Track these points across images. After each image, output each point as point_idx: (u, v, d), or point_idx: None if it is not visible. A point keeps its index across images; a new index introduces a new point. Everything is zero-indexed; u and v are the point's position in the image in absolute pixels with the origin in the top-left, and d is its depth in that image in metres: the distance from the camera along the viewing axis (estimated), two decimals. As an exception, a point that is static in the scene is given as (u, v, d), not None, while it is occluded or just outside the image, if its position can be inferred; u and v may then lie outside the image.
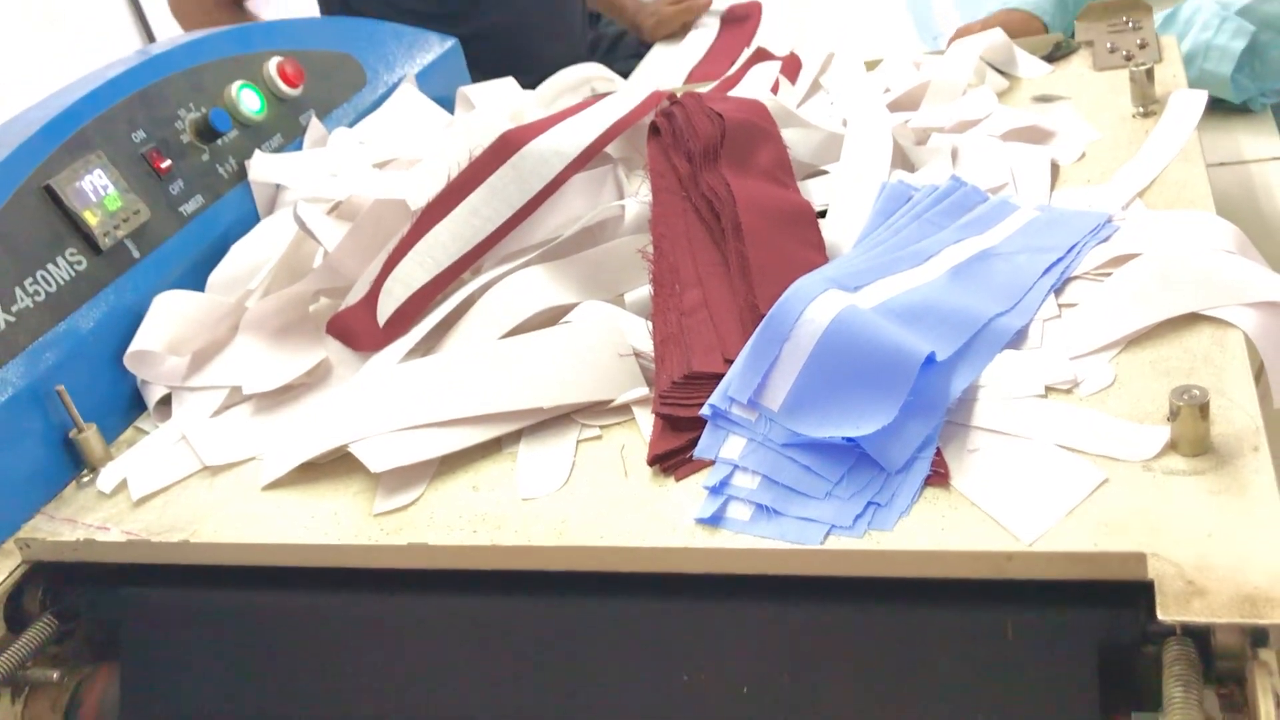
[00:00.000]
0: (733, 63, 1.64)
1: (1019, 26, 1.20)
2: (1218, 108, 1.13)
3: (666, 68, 1.69)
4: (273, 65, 0.95)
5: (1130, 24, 0.98)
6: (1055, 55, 0.98)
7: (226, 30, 0.95)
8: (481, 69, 1.39)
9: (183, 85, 0.88)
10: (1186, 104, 0.82)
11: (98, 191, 0.78)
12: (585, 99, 1.00)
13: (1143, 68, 0.84)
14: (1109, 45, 0.95)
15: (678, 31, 1.84)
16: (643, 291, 0.70)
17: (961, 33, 1.19)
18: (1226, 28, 1.08)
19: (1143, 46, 0.94)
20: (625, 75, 1.78)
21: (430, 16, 1.48)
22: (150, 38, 1.81)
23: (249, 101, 0.92)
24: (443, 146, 0.78)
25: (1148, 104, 0.84)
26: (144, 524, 0.65)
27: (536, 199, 0.73)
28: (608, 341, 0.65)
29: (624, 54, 2.24)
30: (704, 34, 1.78)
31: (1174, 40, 0.95)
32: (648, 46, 1.87)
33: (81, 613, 0.67)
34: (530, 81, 1.12)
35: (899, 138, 0.81)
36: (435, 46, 1.17)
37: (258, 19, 1.56)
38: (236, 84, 0.92)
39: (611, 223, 0.76)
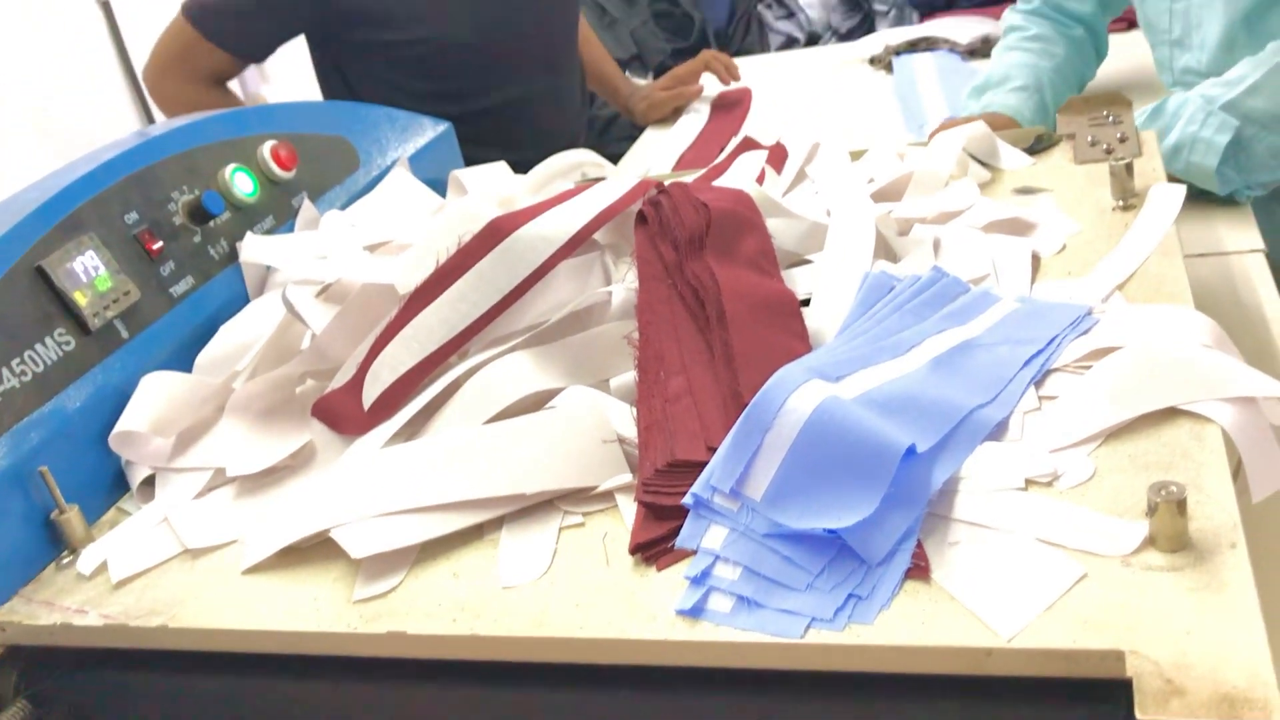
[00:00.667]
0: (722, 148, 1.67)
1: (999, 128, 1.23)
2: (1200, 199, 1.15)
3: (658, 151, 1.72)
4: (267, 149, 0.97)
5: (1110, 118, 1.00)
6: (1037, 148, 1.00)
7: (223, 114, 0.97)
8: (482, 146, 1.42)
9: (177, 168, 0.90)
10: (1165, 198, 0.84)
11: (89, 272, 0.78)
12: (576, 185, 1.02)
13: (1122, 162, 0.85)
14: (1090, 139, 0.97)
15: (669, 116, 1.87)
16: (628, 377, 0.71)
17: (945, 127, 1.22)
18: (1211, 122, 1.11)
19: (1123, 140, 0.96)
20: (618, 157, 1.81)
21: (433, 96, 1.51)
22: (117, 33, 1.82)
23: (242, 184, 0.94)
24: (432, 232, 0.79)
25: (1127, 197, 0.85)
26: (123, 607, 0.65)
27: (524, 285, 0.74)
28: (592, 427, 0.65)
29: (617, 136, 2.28)
30: (695, 119, 1.82)
31: (1153, 135, 0.97)
32: (641, 129, 1.90)
33: (57, 697, 0.66)
34: (529, 158, 1.14)
35: (882, 228, 0.82)
36: (428, 130, 1.19)
37: (239, 100, 1.59)
38: (230, 167, 0.93)
39: (598, 308, 0.77)
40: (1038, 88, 1.34)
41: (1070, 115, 1.02)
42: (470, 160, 1.23)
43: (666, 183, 0.83)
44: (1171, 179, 1.12)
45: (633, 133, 2.00)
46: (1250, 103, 1.10)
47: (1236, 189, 1.14)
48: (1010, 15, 1.46)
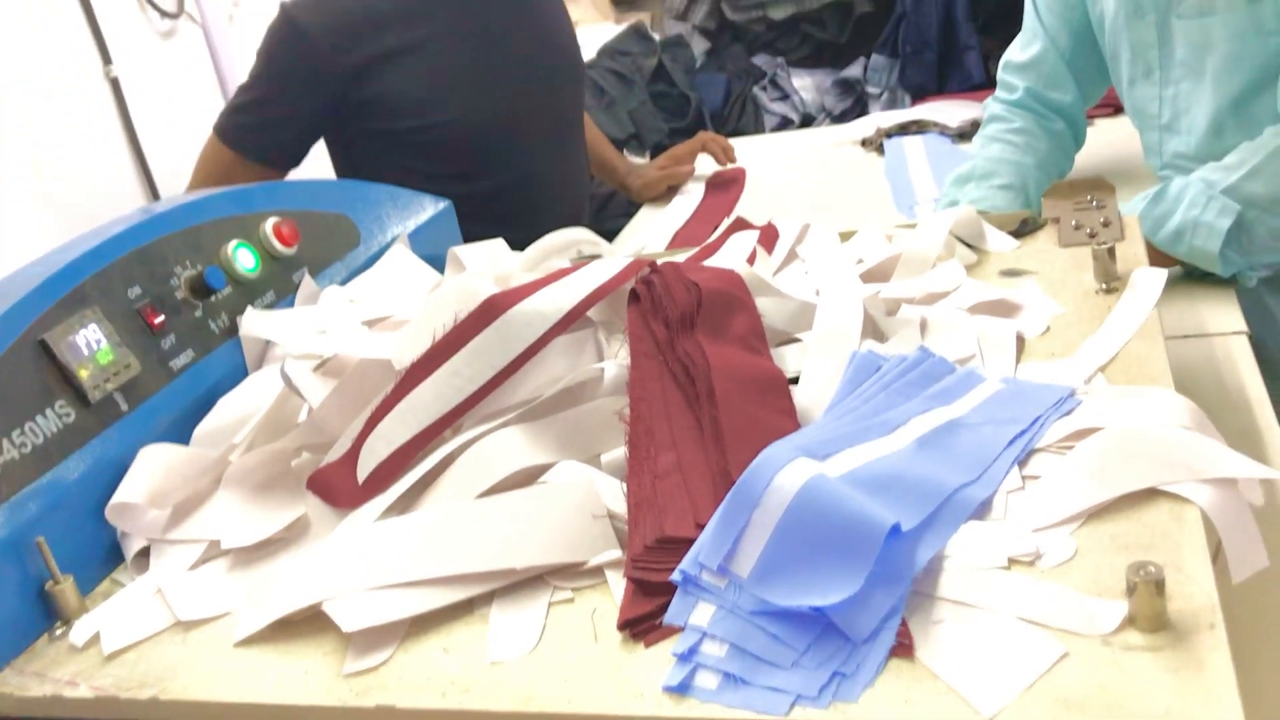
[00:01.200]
0: (715, 227, 1.70)
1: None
2: (1184, 281, 1.17)
3: (653, 229, 1.74)
4: (269, 225, 0.99)
5: (1094, 203, 1.02)
6: (1022, 231, 1.02)
7: (227, 192, 0.99)
8: (490, 223, 1.44)
9: (180, 244, 0.92)
10: (1147, 282, 0.86)
11: (90, 346, 0.80)
12: (572, 262, 1.04)
13: (1105, 246, 0.88)
14: (1074, 223, 0.99)
15: (664, 194, 1.91)
16: (619, 453, 0.72)
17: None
18: (1213, 206, 1.13)
19: (1106, 225, 0.98)
20: (615, 233, 1.84)
21: (444, 177, 1.54)
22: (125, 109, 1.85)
23: (244, 260, 0.95)
24: (428, 308, 0.80)
25: (1110, 280, 0.87)
26: (114, 679, 0.65)
27: (518, 361, 0.76)
28: (582, 503, 0.66)
29: (614, 213, 2.32)
30: (689, 199, 1.85)
31: (1136, 219, 0.99)
32: (637, 206, 1.93)
33: (45, 770, 0.66)
34: (535, 236, 1.15)
35: (870, 308, 0.84)
36: (429, 207, 1.22)
37: None
38: (233, 243, 0.95)
39: (591, 384, 0.78)
40: (1023, 186, 1.37)
41: (1055, 200, 1.05)
42: (477, 237, 1.25)
43: (659, 262, 0.85)
44: (1175, 262, 1.15)
45: (629, 209, 2.03)
46: (1250, 187, 1.12)
47: (1240, 271, 1.16)
48: (992, 105, 1.49)
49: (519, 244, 1.14)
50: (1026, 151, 1.40)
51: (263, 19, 1.50)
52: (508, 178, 1.60)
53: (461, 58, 1.53)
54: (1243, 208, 1.11)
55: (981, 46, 2.53)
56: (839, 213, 1.65)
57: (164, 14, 2.00)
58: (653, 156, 2.52)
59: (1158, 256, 1.15)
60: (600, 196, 2.36)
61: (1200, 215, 1.12)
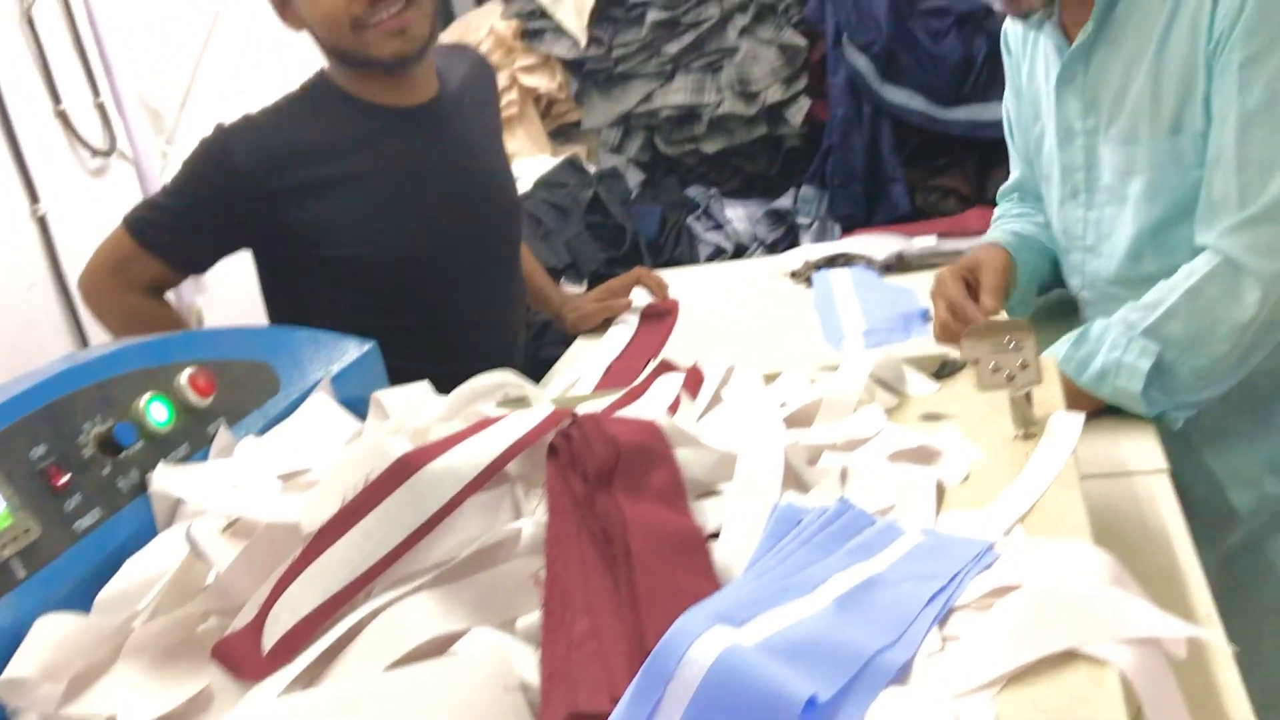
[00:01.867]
0: (648, 360, 1.70)
1: (982, 251, 1.37)
2: (1104, 416, 1.18)
3: (587, 361, 1.74)
4: (185, 376, 0.97)
5: (1012, 344, 1.03)
6: (942, 373, 1.03)
7: (143, 344, 0.97)
8: (418, 357, 1.43)
9: (91, 399, 0.89)
10: (1064, 427, 0.86)
11: (-13, 511, 0.77)
12: (497, 404, 1.03)
13: (1022, 392, 0.88)
14: (992, 365, 1.00)
15: (599, 326, 1.91)
16: (535, 617, 0.70)
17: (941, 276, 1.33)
18: (1134, 346, 1.15)
19: (1024, 367, 0.99)
20: (551, 361, 1.83)
21: (376, 309, 1.53)
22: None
23: (157, 413, 0.93)
24: (339, 469, 0.79)
25: (1028, 426, 0.88)
26: None
27: (431, 522, 0.74)
28: (495, 675, 0.64)
29: (551, 340, 2.32)
30: (624, 330, 1.85)
31: (1053, 361, 1.00)
32: (574, 335, 1.93)
33: None
34: (469, 369, 1.14)
35: (791, 457, 0.84)
36: (352, 350, 1.20)
37: (175, 310, 1.60)
38: (147, 396, 0.93)
39: (508, 543, 0.76)
40: (1020, 236, 1.47)
41: (974, 340, 1.06)
42: (408, 370, 1.24)
43: (580, 412, 0.84)
44: (1098, 403, 1.17)
45: (566, 338, 2.03)
46: (1168, 327, 1.15)
47: (1165, 411, 1.17)
48: (1001, 205, 1.62)
49: (452, 376, 1.12)
50: (1028, 222, 1.52)
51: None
52: (439, 311, 1.60)
53: (394, 193, 1.54)
54: (1163, 348, 1.14)
55: (906, 178, 2.60)
56: (770, 346, 1.66)
57: (95, 152, 2.00)
58: (590, 285, 2.54)
59: (1081, 397, 1.17)
60: (538, 324, 2.37)
61: (1122, 356, 1.15)
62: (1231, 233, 1.13)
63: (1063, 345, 1.20)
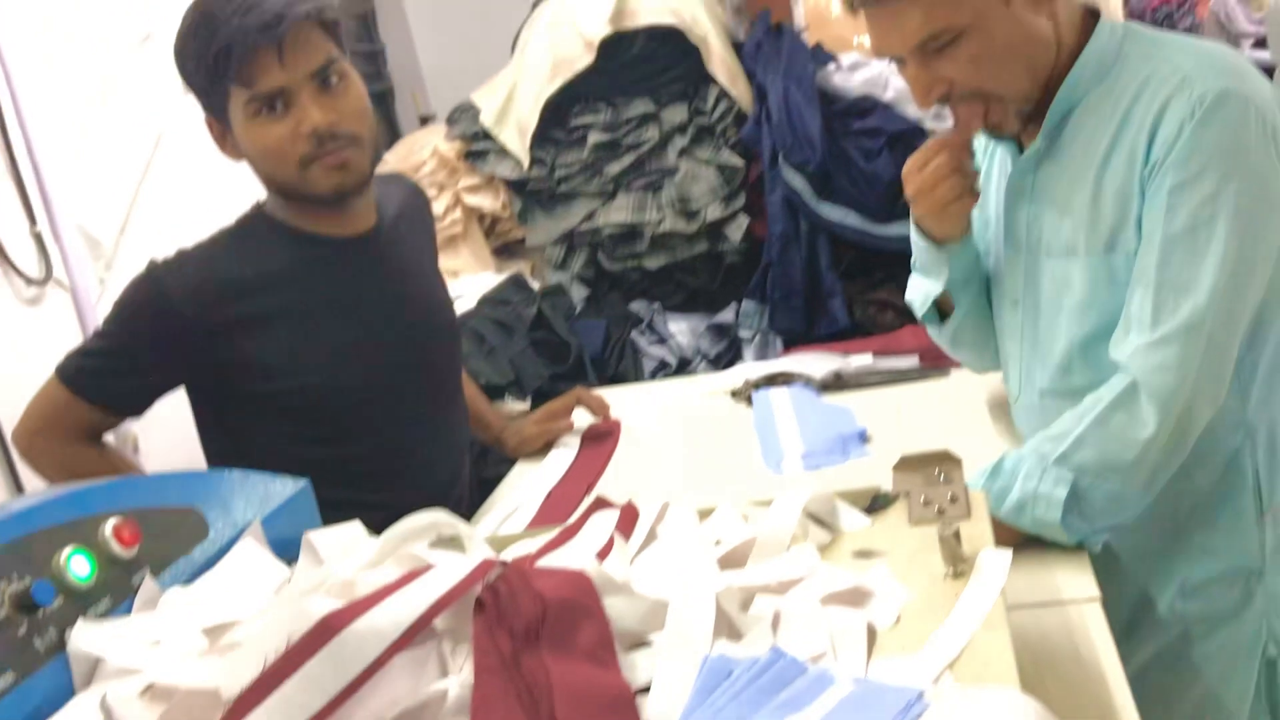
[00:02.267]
0: (589, 486, 1.70)
1: None
2: (1036, 545, 1.19)
3: (528, 485, 1.74)
4: (109, 527, 0.95)
5: (942, 477, 1.04)
6: (874, 507, 1.03)
7: (65, 495, 0.95)
8: (364, 488, 1.41)
9: (9, 557, 0.87)
10: (993, 565, 0.87)
11: (-108, 683, 0.74)
12: (431, 547, 1.02)
13: (950, 530, 0.89)
14: (922, 499, 1.01)
15: (541, 449, 1.91)
16: (461, 783, 0.69)
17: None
18: (1048, 476, 1.17)
19: (953, 501, 1.00)
20: (493, 482, 1.82)
21: (315, 440, 1.51)
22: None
23: (79, 568, 0.91)
24: (260, 631, 0.77)
25: (957, 565, 0.88)
26: None
27: (354, 685, 0.72)
28: None
29: (495, 460, 2.31)
30: (565, 454, 1.86)
31: (983, 495, 1.01)
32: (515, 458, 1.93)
33: None
34: (409, 499, 1.12)
35: (723, 602, 0.83)
36: (283, 490, 1.19)
37: (115, 455, 1.57)
38: (67, 550, 0.90)
39: (433, 705, 0.75)
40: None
41: (904, 473, 1.07)
42: (355, 502, 1.22)
43: (512, 552, 0.84)
44: (1022, 534, 1.18)
45: (509, 458, 2.02)
46: (1080, 455, 1.17)
47: (1084, 537, 1.19)
48: None
49: (398, 505, 1.11)
50: None
51: (133, 284, 1.49)
52: (380, 440, 1.59)
53: (330, 324, 1.53)
54: (1076, 475, 1.15)
55: (845, 293, 2.65)
56: (711, 469, 1.67)
57: (29, 281, 1.98)
58: (534, 402, 2.54)
59: (1005, 528, 1.18)
60: (478, 445, 2.36)
61: (1038, 487, 1.16)
62: (1141, 353, 1.17)
63: (978, 478, 1.21)
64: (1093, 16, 1.27)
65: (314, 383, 1.51)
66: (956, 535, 0.90)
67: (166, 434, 1.83)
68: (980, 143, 1.48)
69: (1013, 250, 1.36)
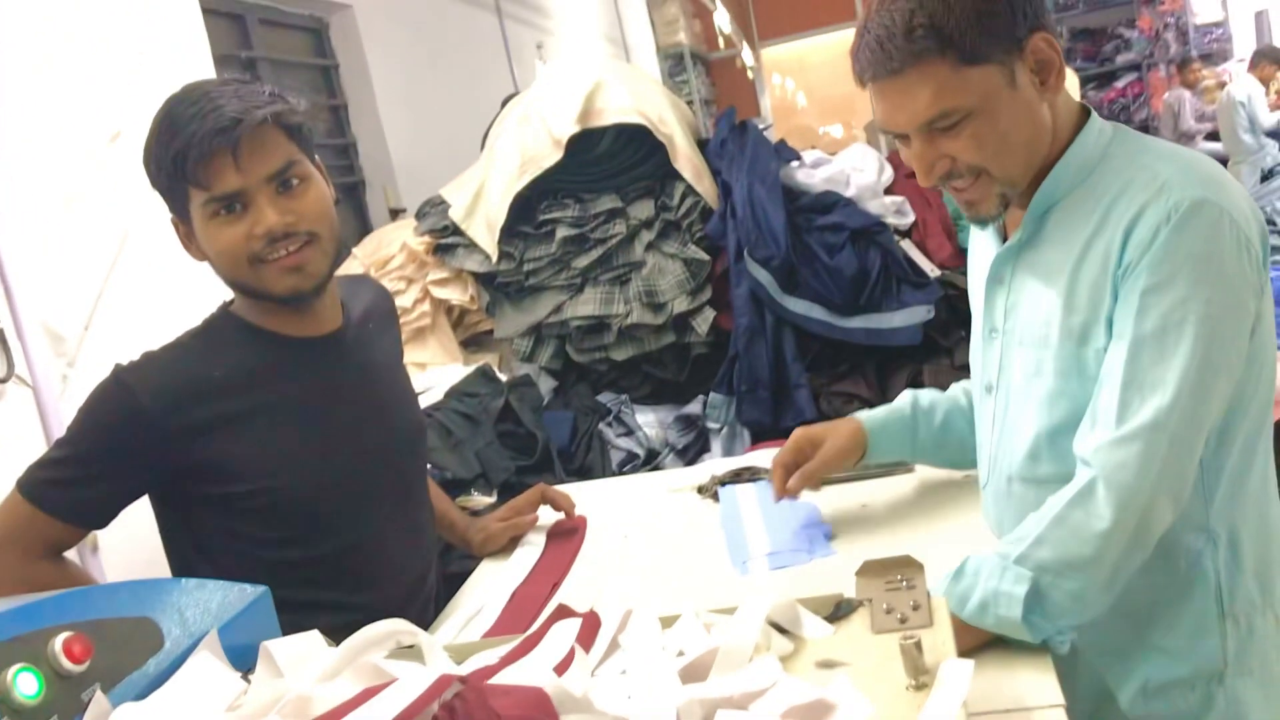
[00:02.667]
0: (555, 584, 1.69)
1: (830, 430, 1.56)
2: (1000, 651, 1.19)
3: (490, 588, 1.72)
4: (59, 642, 0.93)
5: (904, 583, 1.05)
6: (837, 614, 1.03)
7: (11, 609, 0.93)
8: (331, 587, 1.38)
9: (-48, 675, 0.85)
10: (954, 676, 0.87)
11: None
12: (390, 656, 1.00)
13: (912, 641, 0.89)
14: (885, 606, 1.01)
15: (506, 546, 1.89)
16: None
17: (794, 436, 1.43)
18: (1008, 575, 1.18)
19: (915, 609, 1.00)
20: (462, 576, 1.80)
21: (281, 542, 1.49)
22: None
23: (25, 686, 0.89)
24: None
25: (919, 676, 0.88)
26: None
27: (307, 811, 0.71)
28: None
29: (460, 554, 2.29)
30: (530, 551, 1.84)
31: (944, 602, 1.01)
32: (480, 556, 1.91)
33: None
34: (378, 598, 1.11)
35: (684, 717, 0.83)
36: (241, 598, 1.17)
37: (76, 569, 1.54)
38: (14, 669, 0.89)
39: (388, 830, 0.73)
40: (916, 407, 1.62)
41: (867, 579, 1.07)
42: (322, 603, 1.20)
43: (472, 663, 0.83)
44: (988, 636, 1.18)
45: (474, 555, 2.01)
46: (1039, 554, 1.18)
47: (1049, 636, 1.19)
48: None
49: (367, 606, 1.09)
50: (962, 393, 1.64)
51: (98, 381, 1.47)
52: (348, 540, 1.57)
53: (297, 426, 1.52)
54: (1036, 574, 1.16)
55: (810, 384, 2.67)
56: (676, 567, 1.66)
57: (-9, 377, 1.97)
58: (500, 495, 2.52)
59: (970, 631, 1.17)
60: (444, 543, 2.33)
61: (999, 585, 1.17)
62: (1104, 449, 1.18)
63: (943, 583, 1.21)
64: (1085, 114, 1.30)
65: (280, 484, 1.50)
66: (918, 646, 0.89)
67: (127, 533, 1.80)
68: (975, 230, 1.51)
69: (989, 337, 1.39)
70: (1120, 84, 10.63)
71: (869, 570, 1.09)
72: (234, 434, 1.47)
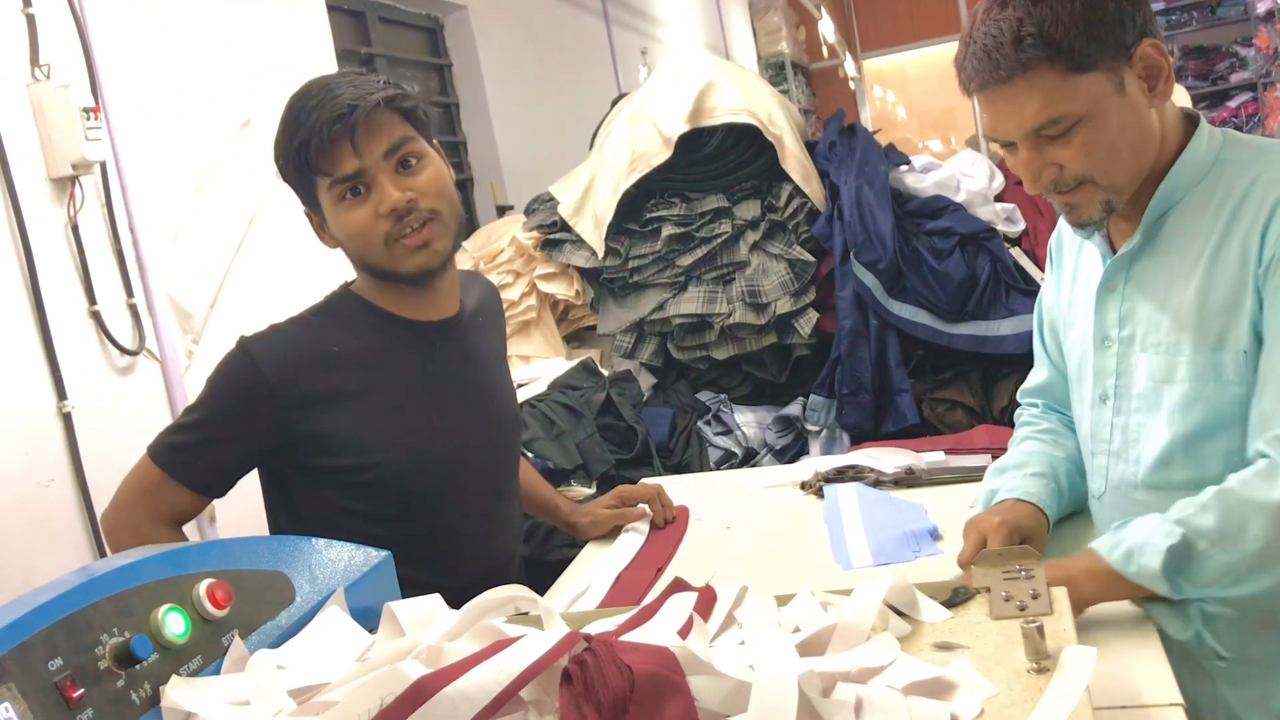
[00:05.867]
0: (658, 570, 1.71)
1: (1029, 519, 1.34)
2: (1117, 648, 1.17)
3: (597, 568, 1.74)
4: (203, 588, 0.98)
5: (1023, 573, 1.04)
6: (954, 601, 1.03)
7: (162, 553, 0.99)
8: (420, 567, 1.42)
9: (110, 610, 0.90)
10: (1078, 662, 0.86)
11: (0, 727, 0.77)
12: (508, 618, 1.03)
13: (1034, 625, 0.89)
14: (1004, 594, 1.01)
15: (610, 532, 1.92)
16: None
17: (971, 525, 1.31)
18: (1160, 529, 1.18)
19: (1035, 597, 1.00)
20: (560, 564, 1.83)
21: (376, 517, 1.54)
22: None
23: (174, 625, 0.94)
24: (356, 692, 0.79)
25: (1040, 660, 0.88)
26: None
27: (445, 749, 0.74)
28: None
29: (559, 543, 2.32)
30: (634, 538, 1.86)
31: (1064, 591, 1.01)
32: (582, 541, 1.93)
33: None
34: (465, 582, 1.14)
35: (805, 686, 0.84)
36: (366, 560, 1.21)
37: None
38: (164, 608, 0.94)
39: (520, 774, 0.76)
40: (1053, 475, 1.45)
41: (985, 568, 1.07)
42: (407, 580, 1.24)
43: (591, 630, 0.85)
44: (1125, 592, 1.17)
45: (574, 541, 2.03)
46: (1200, 520, 1.16)
47: (1187, 596, 1.17)
48: (1020, 412, 1.62)
49: (448, 588, 1.12)
50: (1055, 446, 1.50)
51: (221, 357, 1.54)
52: (437, 522, 1.61)
53: (404, 405, 1.57)
54: (1194, 537, 1.15)
55: (913, 390, 2.65)
56: (780, 560, 1.66)
57: (123, 350, 2.05)
58: (599, 487, 2.55)
59: (1110, 585, 1.17)
60: (544, 528, 2.37)
61: (1149, 537, 1.16)
62: (1276, 440, 1.16)
63: (1109, 534, 1.21)
64: (1191, 121, 1.29)
65: (382, 459, 1.55)
66: (1040, 630, 0.89)
67: (245, 508, 1.86)
68: (1068, 237, 1.50)
69: (1102, 348, 1.37)
70: (1233, 103, 10.31)
71: (987, 560, 1.09)
72: (344, 408, 1.53)
